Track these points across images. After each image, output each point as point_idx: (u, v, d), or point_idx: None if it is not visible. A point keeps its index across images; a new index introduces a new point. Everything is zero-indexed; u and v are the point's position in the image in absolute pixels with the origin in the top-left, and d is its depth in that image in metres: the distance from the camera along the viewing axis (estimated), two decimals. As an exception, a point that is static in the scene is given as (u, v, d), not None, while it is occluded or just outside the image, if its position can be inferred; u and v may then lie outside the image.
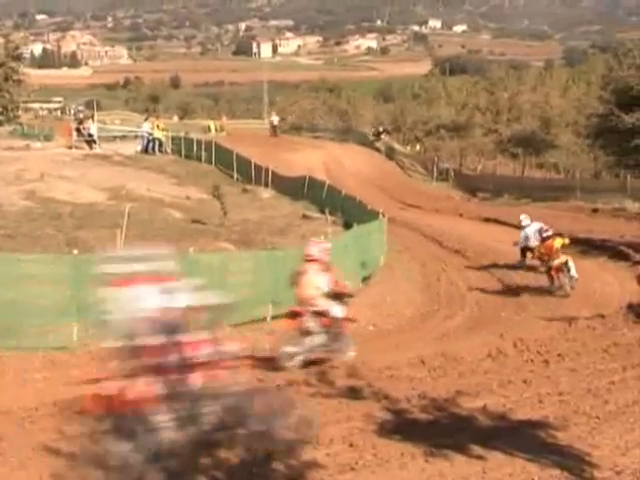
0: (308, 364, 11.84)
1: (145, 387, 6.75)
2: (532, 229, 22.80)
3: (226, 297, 7.38)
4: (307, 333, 11.64)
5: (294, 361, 11.61)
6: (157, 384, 6.76)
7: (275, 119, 68.92)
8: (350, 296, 12.63)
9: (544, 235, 21.04)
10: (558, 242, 20.51)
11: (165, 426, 6.80)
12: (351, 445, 8.39)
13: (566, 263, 20.08)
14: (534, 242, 22.26)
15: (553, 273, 20.29)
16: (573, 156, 58.56)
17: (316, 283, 11.66)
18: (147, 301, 6.86)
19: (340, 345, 11.98)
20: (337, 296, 11.93)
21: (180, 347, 6.86)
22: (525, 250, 23.25)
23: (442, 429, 8.94)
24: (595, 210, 35.34)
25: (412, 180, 56.56)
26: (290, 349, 11.61)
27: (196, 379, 6.97)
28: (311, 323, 11.65)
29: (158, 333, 6.79)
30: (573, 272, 20.07)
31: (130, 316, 6.81)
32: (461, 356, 12.16)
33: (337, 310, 11.81)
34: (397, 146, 69.49)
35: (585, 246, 26.29)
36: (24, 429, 8.82)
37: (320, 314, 11.64)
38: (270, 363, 11.61)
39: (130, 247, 7.82)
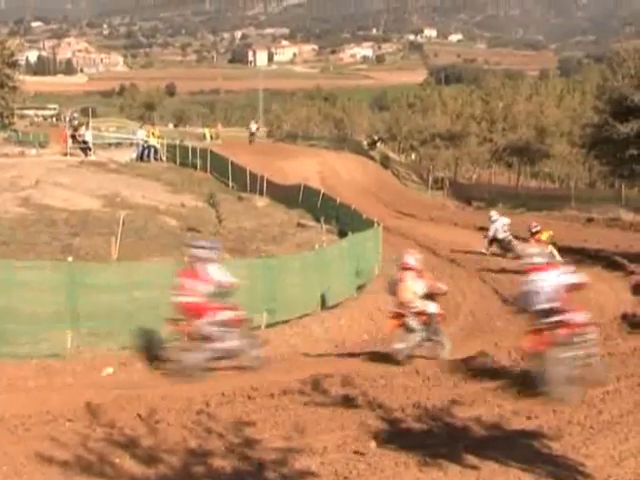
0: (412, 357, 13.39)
1: (554, 335, 10.42)
2: (500, 223, 28.47)
3: (582, 277, 11.26)
4: (411, 330, 13.27)
5: (404, 355, 13.10)
6: (559, 334, 10.44)
7: (253, 127, 69.17)
8: (444, 294, 14.41)
9: (533, 230, 25.04)
10: (545, 235, 24.67)
11: (566, 361, 10.30)
12: (345, 454, 8.39)
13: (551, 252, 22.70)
14: (501, 234, 28.12)
15: None
16: (568, 166, 58.67)
17: (413, 288, 13.43)
18: (555, 280, 10.71)
19: (440, 337, 13.68)
20: (430, 296, 13.66)
21: (568, 310, 10.65)
22: (493, 240, 28.50)
23: (436, 438, 8.94)
24: (590, 220, 35.38)
25: (407, 189, 56.62)
26: (400, 346, 13.11)
27: (577, 332, 10.63)
28: (412, 322, 13.30)
29: (558, 300, 10.58)
30: (558, 258, 22.99)
31: (546, 289, 10.59)
32: (456, 365, 12.16)
33: (432, 307, 13.56)
34: (392, 155, 69.58)
35: (580, 255, 26.28)
36: (17, 437, 8.79)
37: (419, 314, 13.35)
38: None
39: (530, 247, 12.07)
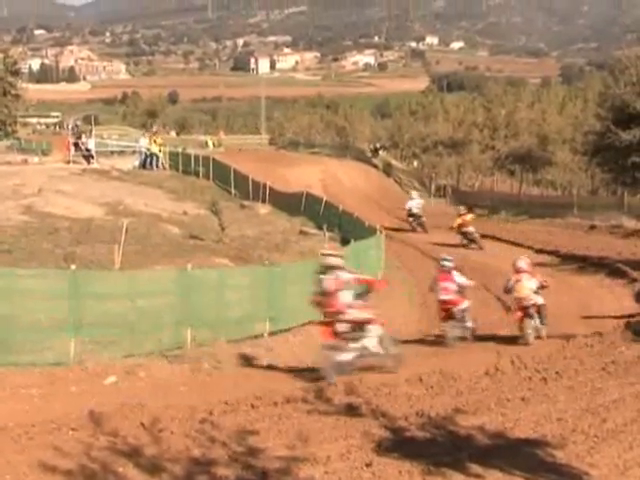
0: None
1: None
2: (415, 202, 38.17)
3: None
4: (531, 318, 16.28)
5: (531, 337, 15.99)
6: None
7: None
8: (545, 287, 17.17)
9: (461, 212, 33.23)
10: (470, 217, 32.80)
11: None
12: (349, 463, 8.37)
13: (472, 231, 32.01)
14: (415, 209, 37.58)
15: (462, 236, 32.09)
16: (570, 173, 58.54)
17: (529, 285, 16.57)
18: None
19: (545, 321, 16.59)
20: (537, 291, 16.69)
21: None
22: (410, 215, 37.57)
23: (440, 447, 8.92)
24: (592, 227, 35.26)
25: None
26: (529, 331, 16.07)
27: None
28: (532, 311, 16.30)
29: None
30: (477, 235, 31.98)
31: None
32: (458, 374, 12.14)
33: (540, 299, 16.59)
34: (394, 162, 69.59)
35: (582, 263, 26.30)
36: (21, 445, 8.76)
37: (533, 305, 16.35)
38: None
39: None
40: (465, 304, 17.14)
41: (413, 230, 37.04)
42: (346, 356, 12.80)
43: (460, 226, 32.50)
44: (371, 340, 13.17)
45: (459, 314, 16.91)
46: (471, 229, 32.18)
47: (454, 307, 16.95)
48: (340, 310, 12.96)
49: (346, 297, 13.09)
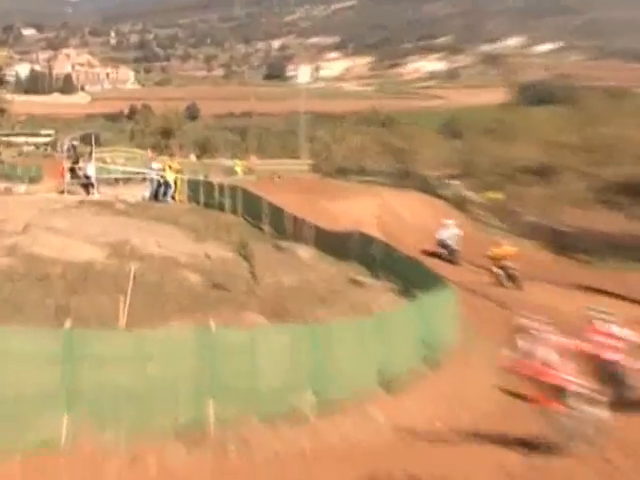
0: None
1: None
2: (451, 232, 42.65)
3: None
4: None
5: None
6: None
7: None
8: None
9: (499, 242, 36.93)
10: (511, 249, 35.94)
11: None
12: None
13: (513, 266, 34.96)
14: (449, 240, 41.96)
15: (497, 269, 35.00)
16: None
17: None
18: None
19: None
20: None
21: None
22: (442, 245, 42.05)
23: None
24: None
25: (488, 237, 56.20)
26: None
27: None
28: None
29: None
30: (517, 272, 34.83)
31: None
32: (555, 465, 11.88)
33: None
34: (469, 194, 69.35)
35: None
36: None
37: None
38: None
39: None
40: (634, 363, 18.06)
41: (441, 259, 40.60)
42: (575, 423, 14.14)
43: (500, 258, 35.20)
44: (588, 406, 14.51)
45: (624, 373, 17.93)
46: (511, 264, 34.82)
47: (618, 366, 17.98)
48: (552, 375, 14.60)
49: (555, 360, 14.81)
